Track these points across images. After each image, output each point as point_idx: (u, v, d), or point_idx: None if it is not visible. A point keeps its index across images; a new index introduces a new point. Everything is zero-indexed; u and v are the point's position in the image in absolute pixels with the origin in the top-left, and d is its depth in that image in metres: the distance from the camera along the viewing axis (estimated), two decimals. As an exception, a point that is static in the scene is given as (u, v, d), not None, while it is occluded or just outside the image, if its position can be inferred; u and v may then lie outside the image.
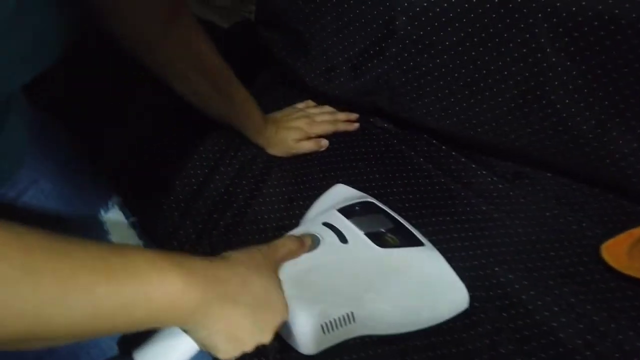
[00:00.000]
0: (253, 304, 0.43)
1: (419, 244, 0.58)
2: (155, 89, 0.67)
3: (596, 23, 0.58)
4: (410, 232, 0.60)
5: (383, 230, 0.58)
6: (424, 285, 0.56)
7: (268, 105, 0.81)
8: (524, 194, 0.71)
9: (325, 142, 0.78)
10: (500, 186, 0.73)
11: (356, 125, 0.81)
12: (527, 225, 0.68)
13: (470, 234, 0.67)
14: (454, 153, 0.77)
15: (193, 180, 0.72)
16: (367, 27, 0.71)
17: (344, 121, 0.82)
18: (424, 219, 0.68)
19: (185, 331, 0.42)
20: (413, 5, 0.66)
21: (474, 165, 0.75)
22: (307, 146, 0.77)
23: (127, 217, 0.60)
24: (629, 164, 0.65)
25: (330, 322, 0.51)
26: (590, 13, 0.58)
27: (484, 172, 0.74)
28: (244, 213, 0.68)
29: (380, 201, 0.65)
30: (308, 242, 0.53)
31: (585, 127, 0.65)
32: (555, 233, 0.67)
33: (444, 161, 0.76)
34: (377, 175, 0.74)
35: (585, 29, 0.59)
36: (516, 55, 0.64)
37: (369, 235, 0.57)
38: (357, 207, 0.62)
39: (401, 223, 0.61)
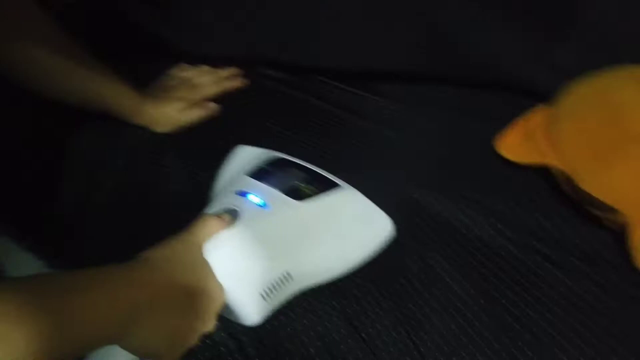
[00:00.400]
0: (186, 298, 0.41)
1: (336, 186, 0.58)
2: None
3: None
4: (324, 177, 0.59)
5: (298, 183, 0.57)
6: (349, 225, 0.57)
7: (140, 82, 0.75)
8: (420, 112, 0.73)
9: (214, 105, 0.74)
10: (398, 110, 0.74)
11: (242, 80, 0.77)
12: (430, 140, 0.70)
13: (379, 161, 0.68)
14: (350, 88, 0.76)
15: (79, 184, 0.65)
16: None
17: (227, 78, 0.77)
18: (335, 159, 0.68)
19: (122, 346, 0.39)
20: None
21: (370, 95, 0.75)
22: (195, 114, 0.72)
23: (18, 242, 0.53)
24: (507, 62, 0.69)
25: (269, 288, 0.51)
26: None
27: (381, 100, 0.75)
28: (146, 205, 0.63)
29: (286, 153, 0.64)
30: (227, 218, 0.51)
31: (472, 39, 0.67)
32: (455, 142, 0.70)
33: (340, 98, 0.75)
34: (278, 128, 0.71)
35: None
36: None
37: (286, 192, 0.55)
38: (266, 167, 0.60)
39: (314, 170, 0.60)
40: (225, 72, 0.77)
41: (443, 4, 0.66)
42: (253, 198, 0.54)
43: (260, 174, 0.58)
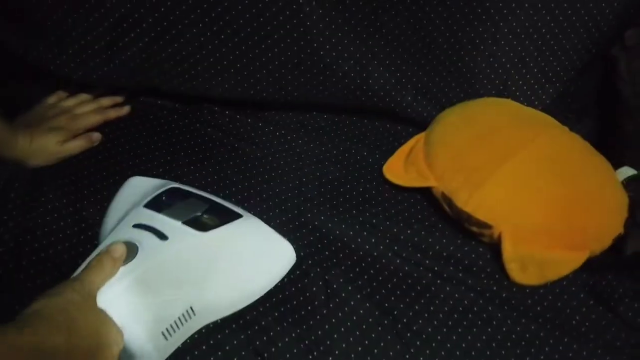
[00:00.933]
0: (86, 349, 0.39)
1: (237, 216, 0.58)
2: None
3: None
4: (224, 206, 0.59)
5: (199, 213, 0.56)
6: (252, 254, 0.57)
7: (12, 112, 0.68)
8: (310, 140, 0.76)
9: (97, 135, 0.69)
10: (288, 137, 0.76)
11: (126, 108, 0.74)
12: (322, 166, 0.73)
13: (277, 190, 0.69)
14: (238, 116, 0.77)
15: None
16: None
17: (110, 107, 0.73)
18: (230, 188, 0.68)
19: None
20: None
21: (260, 124, 0.76)
22: (76, 145, 0.67)
23: None
24: (388, 95, 0.75)
25: (171, 326, 0.49)
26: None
27: (270, 128, 0.76)
28: (23, 252, 0.57)
29: (182, 183, 0.62)
30: (121, 251, 0.48)
31: (347, 68, 0.72)
32: (345, 167, 0.74)
33: (231, 126, 0.75)
34: (170, 157, 0.69)
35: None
36: (274, 9, 0.66)
37: (187, 222, 0.54)
38: (164, 197, 0.58)
39: (213, 200, 0.59)
40: (107, 101, 0.73)
41: (316, 34, 0.69)
42: (152, 231, 0.52)
43: (158, 205, 0.56)
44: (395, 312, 0.58)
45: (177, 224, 0.53)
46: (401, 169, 0.72)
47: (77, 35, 0.66)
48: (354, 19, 0.69)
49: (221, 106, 0.77)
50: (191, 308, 0.50)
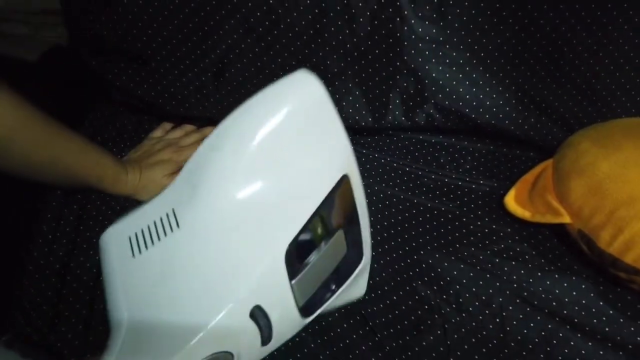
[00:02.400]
0: None
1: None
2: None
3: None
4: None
5: None
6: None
7: (123, 147, 0.69)
8: (418, 167, 0.70)
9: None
10: (393, 165, 0.71)
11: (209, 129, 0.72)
12: (433, 197, 0.67)
13: (386, 222, 0.64)
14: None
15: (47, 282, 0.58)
16: (225, 25, 0.62)
17: None
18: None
19: None
20: None
21: (358, 149, 0.72)
22: None
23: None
24: (506, 115, 0.67)
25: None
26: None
27: (371, 151, 0.71)
28: (71, 267, 0.58)
29: None
30: None
31: (454, 84, 0.66)
32: (459, 198, 0.67)
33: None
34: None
35: None
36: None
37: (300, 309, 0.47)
38: None
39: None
40: (210, 130, 0.72)
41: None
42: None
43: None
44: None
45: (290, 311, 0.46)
46: (526, 201, 0.64)
47: (185, 68, 0.65)
48: (461, 29, 0.62)
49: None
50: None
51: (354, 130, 0.73)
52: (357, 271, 0.51)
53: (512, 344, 0.53)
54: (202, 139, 0.71)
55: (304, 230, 0.43)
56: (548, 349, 0.53)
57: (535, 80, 0.66)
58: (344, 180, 0.46)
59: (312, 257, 0.45)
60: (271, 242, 0.43)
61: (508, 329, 0.54)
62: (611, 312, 0.55)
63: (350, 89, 0.67)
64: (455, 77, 0.66)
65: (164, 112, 0.70)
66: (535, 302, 0.56)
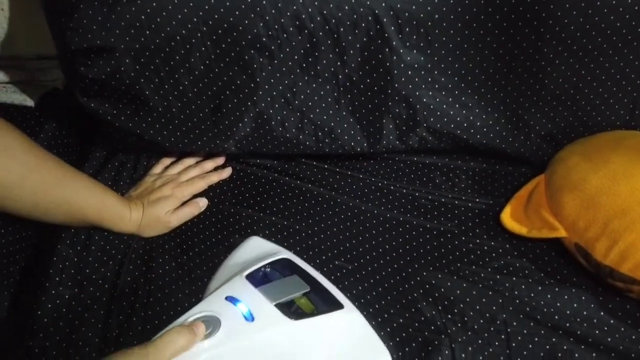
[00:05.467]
0: None
1: (337, 306, 0.54)
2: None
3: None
4: (328, 293, 0.55)
5: (297, 295, 0.53)
6: (342, 355, 0.52)
7: (122, 184, 0.70)
8: (415, 189, 0.72)
9: (204, 201, 0.70)
10: (391, 189, 0.72)
11: (228, 170, 0.74)
12: (431, 217, 0.68)
13: (387, 246, 0.65)
14: (337, 169, 0.74)
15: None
16: (220, 63, 0.63)
17: (213, 170, 0.74)
18: (338, 247, 0.65)
19: None
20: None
21: (354, 174, 0.74)
22: (185, 213, 0.68)
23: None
24: (496, 134, 0.70)
25: None
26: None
27: (367, 176, 0.73)
28: (139, 312, 0.58)
29: (288, 246, 0.60)
30: (201, 330, 0.46)
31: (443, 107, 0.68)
32: (456, 217, 0.69)
33: (331, 180, 0.73)
34: (274, 218, 0.68)
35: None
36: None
37: (280, 305, 0.51)
38: (268, 269, 0.56)
39: (318, 283, 0.56)
40: (209, 164, 0.74)
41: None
42: (241, 307, 0.49)
43: (259, 278, 0.54)
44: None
45: (269, 305, 0.50)
46: (522, 217, 0.66)
47: (183, 104, 0.67)
48: (448, 56, 0.64)
49: (317, 160, 0.75)
50: None
51: (350, 156, 0.75)
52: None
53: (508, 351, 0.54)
54: (201, 173, 0.72)
55: None
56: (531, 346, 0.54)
57: (521, 99, 0.69)
58: None
59: None
60: None
61: (514, 344, 0.55)
62: (612, 321, 0.56)
63: (345, 116, 0.69)
64: (445, 100, 0.68)
65: (163, 149, 0.72)
66: (538, 317, 0.57)
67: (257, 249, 0.60)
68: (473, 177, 0.74)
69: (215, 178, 0.72)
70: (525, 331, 0.56)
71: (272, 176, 0.74)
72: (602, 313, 0.57)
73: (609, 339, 0.55)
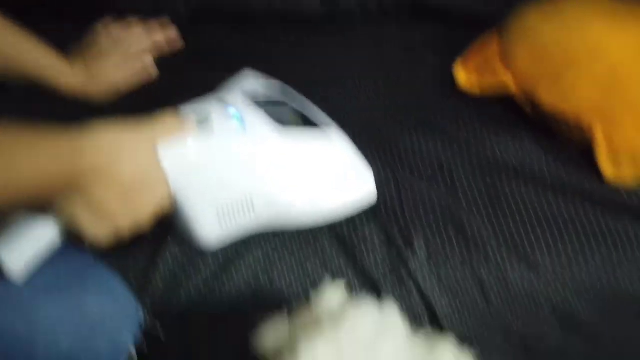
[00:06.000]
0: (126, 181, 0.40)
1: (327, 125, 0.54)
2: None
3: None
4: (321, 115, 0.55)
5: (290, 115, 0.53)
6: (332, 176, 0.53)
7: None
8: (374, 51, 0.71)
9: (150, 60, 0.66)
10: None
11: (179, 41, 0.70)
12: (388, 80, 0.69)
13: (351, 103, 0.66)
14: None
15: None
16: None
17: (159, 29, 0.69)
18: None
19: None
20: None
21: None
22: (132, 69, 0.65)
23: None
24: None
25: (226, 208, 0.47)
26: None
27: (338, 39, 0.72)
28: None
29: None
30: (192, 123, 0.46)
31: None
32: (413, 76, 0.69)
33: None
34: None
35: None
36: None
37: (272, 120, 0.50)
38: (270, 94, 0.55)
39: (311, 107, 0.56)
40: (160, 35, 0.70)
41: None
42: (233, 111, 0.49)
43: (259, 98, 0.53)
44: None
45: (264, 116, 0.50)
46: (474, 72, 0.66)
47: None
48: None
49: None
50: (251, 200, 0.48)
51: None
52: None
53: (459, 194, 0.56)
54: (148, 31, 0.68)
55: None
56: (492, 199, 0.57)
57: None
58: None
59: None
60: None
61: (457, 184, 0.58)
62: (552, 164, 0.59)
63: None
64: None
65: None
66: (483, 162, 0.59)
67: (250, 78, 0.59)
68: (430, 38, 0.74)
69: (165, 50, 0.68)
70: (469, 174, 0.58)
71: (229, 37, 0.71)
72: (543, 157, 0.60)
73: (548, 178, 0.58)
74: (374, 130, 0.63)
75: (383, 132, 0.62)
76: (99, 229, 0.39)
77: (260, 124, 0.50)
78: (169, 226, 0.50)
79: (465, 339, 0.53)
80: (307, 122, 0.54)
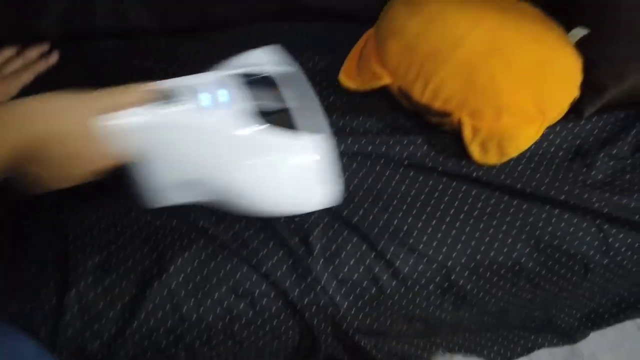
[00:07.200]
0: (56, 148, 0.42)
1: (316, 130, 0.54)
2: None
3: None
4: (314, 117, 0.55)
5: (277, 107, 0.53)
6: (291, 172, 0.54)
7: None
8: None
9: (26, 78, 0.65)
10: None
11: (54, 56, 0.68)
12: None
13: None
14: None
15: None
16: None
17: (39, 58, 0.67)
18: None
19: None
20: None
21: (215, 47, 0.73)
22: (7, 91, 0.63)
23: None
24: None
25: (176, 180, 0.50)
26: None
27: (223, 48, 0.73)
28: None
29: None
30: (153, 92, 0.47)
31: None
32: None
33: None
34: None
35: None
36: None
37: (248, 109, 0.51)
38: (261, 77, 0.54)
39: (310, 105, 0.56)
40: (34, 52, 0.68)
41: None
42: (204, 97, 0.49)
43: (248, 79, 0.53)
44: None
45: (241, 102, 0.50)
46: (355, 72, 0.70)
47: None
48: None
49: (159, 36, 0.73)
50: (201, 180, 0.51)
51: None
52: None
53: (346, 195, 0.60)
54: (27, 63, 0.66)
55: None
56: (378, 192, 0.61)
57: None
58: None
59: None
60: None
61: (346, 173, 0.61)
62: (432, 153, 0.64)
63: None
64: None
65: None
66: (372, 154, 0.63)
67: (266, 57, 0.58)
68: (315, 38, 0.76)
69: (42, 66, 0.67)
70: (354, 163, 0.62)
71: (111, 56, 0.71)
72: (425, 147, 0.64)
73: (429, 164, 0.63)
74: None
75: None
76: (39, 181, 0.43)
77: (234, 111, 0.50)
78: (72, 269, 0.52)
79: (370, 331, 0.59)
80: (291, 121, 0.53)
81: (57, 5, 0.65)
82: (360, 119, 0.67)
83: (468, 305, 0.60)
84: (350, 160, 0.63)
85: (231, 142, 0.50)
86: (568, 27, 0.67)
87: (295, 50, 0.73)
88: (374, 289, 0.56)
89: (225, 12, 0.76)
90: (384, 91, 0.68)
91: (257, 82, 0.54)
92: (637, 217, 0.60)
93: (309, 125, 0.53)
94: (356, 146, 0.64)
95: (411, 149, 0.64)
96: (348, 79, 0.69)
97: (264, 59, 0.58)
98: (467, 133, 0.62)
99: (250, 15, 0.78)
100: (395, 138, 0.65)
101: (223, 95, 0.50)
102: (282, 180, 0.53)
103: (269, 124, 0.51)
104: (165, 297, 0.53)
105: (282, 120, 0.52)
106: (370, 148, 0.64)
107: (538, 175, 0.63)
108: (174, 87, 0.49)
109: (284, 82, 0.55)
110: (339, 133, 0.65)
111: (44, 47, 0.69)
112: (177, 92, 0.48)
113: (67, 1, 0.65)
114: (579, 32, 0.66)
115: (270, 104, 0.53)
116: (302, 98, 0.55)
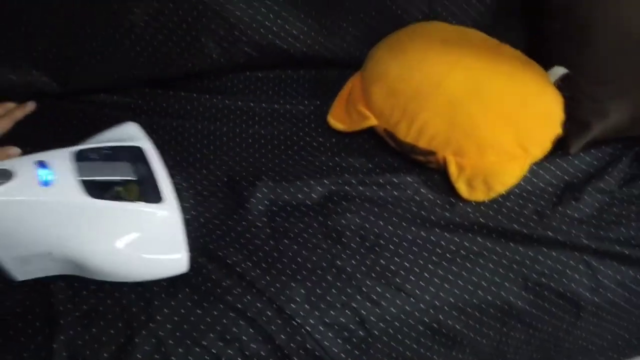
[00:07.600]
0: None
1: (156, 200, 0.56)
2: None
3: None
4: (155, 187, 0.56)
5: (118, 179, 0.56)
6: (138, 242, 0.54)
7: None
8: (249, 100, 0.75)
9: (16, 150, 0.64)
10: (226, 102, 0.75)
11: (31, 104, 0.69)
12: (265, 124, 0.73)
13: (222, 155, 0.69)
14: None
15: None
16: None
17: (17, 107, 0.68)
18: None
19: None
20: None
21: (197, 94, 0.75)
22: None
23: None
24: (313, 41, 0.74)
25: (26, 257, 0.52)
26: None
27: (202, 96, 0.75)
28: None
29: None
30: None
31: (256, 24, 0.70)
32: (290, 122, 0.73)
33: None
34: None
35: None
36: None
37: (86, 182, 0.53)
38: (107, 151, 0.57)
39: (152, 176, 0.57)
40: (11, 103, 0.69)
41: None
42: (43, 173, 0.51)
43: (91, 155, 0.55)
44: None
45: (73, 178, 0.52)
46: (343, 114, 0.72)
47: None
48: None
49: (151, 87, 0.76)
50: (50, 253, 0.52)
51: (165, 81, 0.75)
52: None
53: (334, 235, 0.60)
54: (5, 112, 0.68)
55: None
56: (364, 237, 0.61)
57: (333, 5, 0.73)
58: None
59: None
60: None
61: (329, 223, 0.61)
62: (423, 190, 0.65)
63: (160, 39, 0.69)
64: (261, 12, 0.70)
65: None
66: (355, 194, 0.64)
67: (126, 133, 0.61)
68: (303, 84, 0.78)
69: (19, 114, 0.68)
70: (343, 202, 0.63)
71: (99, 110, 0.73)
72: (414, 185, 0.65)
73: (417, 203, 0.64)
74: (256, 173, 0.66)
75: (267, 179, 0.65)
76: None
77: (65, 187, 0.52)
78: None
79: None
80: (144, 186, 0.56)
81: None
82: (350, 159, 0.69)
83: (460, 346, 0.59)
84: (339, 201, 0.64)
85: (73, 215, 0.52)
86: (548, 68, 0.69)
87: (286, 95, 0.77)
88: (362, 331, 0.56)
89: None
90: (372, 130, 0.69)
91: (104, 156, 0.57)
92: (624, 250, 0.60)
93: (153, 196, 0.55)
94: (346, 187, 0.65)
95: (400, 188, 0.64)
96: (337, 121, 0.71)
97: (121, 134, 0.61)
98: (452, 171, 0.62)
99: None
100: (384, 177, 0.66)
101: (64, 170, 0.52)
102: (125, 249, 0.54)
103: (112, 196, 0.54)
104: (154, 345, 0.53)
105: (127, 191, 0.55)
106: (360, 188, 0.65)
107: (526, 211, 0.63)
108: (13, 164, 0.51)
109: (133, 155, 0.58)
110: (329, 173, 0.67)
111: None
112: (15, 170, 0.50)
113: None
114: (558, 71, 0.68)
115: (117, 177, 0.56)
116: (149, 170, 0.57)
